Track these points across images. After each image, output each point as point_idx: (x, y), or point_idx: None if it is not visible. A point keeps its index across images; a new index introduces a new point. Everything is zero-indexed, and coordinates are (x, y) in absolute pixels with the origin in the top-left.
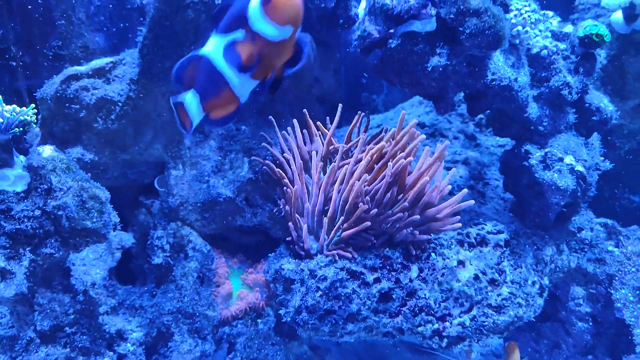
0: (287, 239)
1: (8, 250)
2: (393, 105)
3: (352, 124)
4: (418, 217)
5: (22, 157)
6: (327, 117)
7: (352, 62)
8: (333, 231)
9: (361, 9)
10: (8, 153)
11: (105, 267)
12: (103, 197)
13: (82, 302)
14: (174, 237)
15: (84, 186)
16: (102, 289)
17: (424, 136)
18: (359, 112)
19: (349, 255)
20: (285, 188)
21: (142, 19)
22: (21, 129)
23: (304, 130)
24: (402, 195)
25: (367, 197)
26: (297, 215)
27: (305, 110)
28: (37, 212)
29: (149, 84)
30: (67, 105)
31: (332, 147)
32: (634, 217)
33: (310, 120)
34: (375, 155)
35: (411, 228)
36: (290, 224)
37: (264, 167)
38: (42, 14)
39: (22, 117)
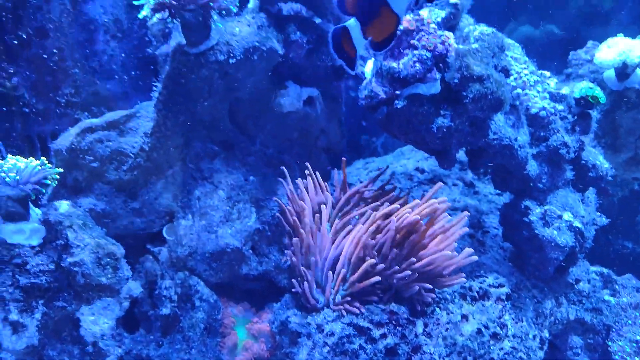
0: (293, 290)
1: (22, 303)
2: (392, 147)
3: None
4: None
5: (37, 210)
6: (334, 169)
7: (352, 106)
8: (338, 283)
9: (367, 70)
10: (24, 207)
11: (113, 317)
12: (118, 254)
13: (91, 354)
14: (181, 286)
15: (100, 243)
16: (111, 340)
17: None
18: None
19: (357, 310)
20: (293, 239)
21: (152, 67)
22: (43, 189)
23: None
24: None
25: (374, 251)
26: (303, 267)
27: (308, 163)
28: (52, 267)
29: (162, 137)
30: (81, 156)
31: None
32: (627, 262)
33: (316, 174)
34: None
35: (418, 286)
36: (297, 276)
37: (274, 217)
38: (56, 62)
39: (44, 177)
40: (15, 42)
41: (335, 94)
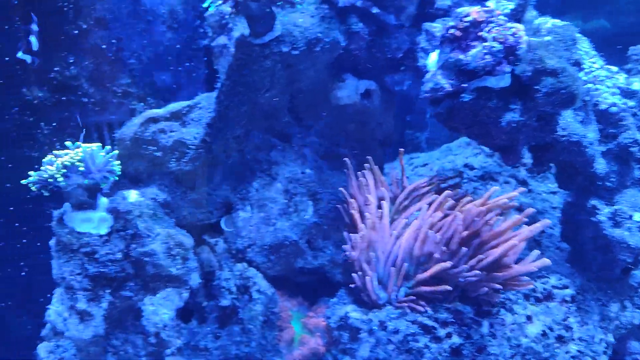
0: (352, 285)
1: (89, 292)
2: (436, 143)
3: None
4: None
5: (104, 199)
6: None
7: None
8: (400, 280)
9: (431, 62)
10: (93, 196)
11: (173, 308)
12: (188, 245)
13: (154, 345)
14: (240, 278)
15: (171, 233)
16: (172, 331)
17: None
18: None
19: (422, 309)
20: (353, 234)
21: (205, 58)
22: (110, 178)
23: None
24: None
25: (442, 247)
26: (364, 263)
27: (370, 157)
28: (119, 256)
29: (224, 127)
30: (144, 146)
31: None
32: None
33: (376, 167)
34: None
35: (487, 288)
36: (357, 271)
37: (331, 210)
38: (114, 52)
39: (111, 167)
40: (76, 32)
41: (390, 87)
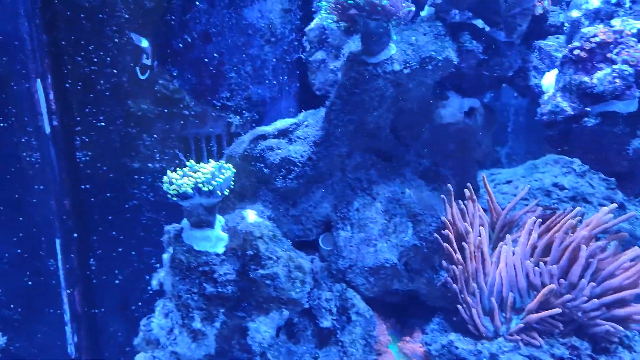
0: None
1: (204, 311)
2: (516, 158)
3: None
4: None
5: (220, 218)
6: None
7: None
8: (509, 311)
9: (547, 83)
10: (212, 215)
11: (273, 326)
12: (306, 268)
13: None
14: (339, 299)
15: (292, 256)
16: (277, 351)
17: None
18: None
19: (537, 342)
20: (453, 265)
21: (298, 72)
22: (227, 192)
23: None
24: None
25: (560, 280)
26: (468, 296)
27: (469, 185)
28: (236, 277)
29: (330, 146)
30: (252, 163)
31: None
32: None
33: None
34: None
35: (608, 326)
36: (460, 302)
37: (431, 233)
38: (215, 66)
39: (230, 183)
40: (181, 45)
41: (492, 104)
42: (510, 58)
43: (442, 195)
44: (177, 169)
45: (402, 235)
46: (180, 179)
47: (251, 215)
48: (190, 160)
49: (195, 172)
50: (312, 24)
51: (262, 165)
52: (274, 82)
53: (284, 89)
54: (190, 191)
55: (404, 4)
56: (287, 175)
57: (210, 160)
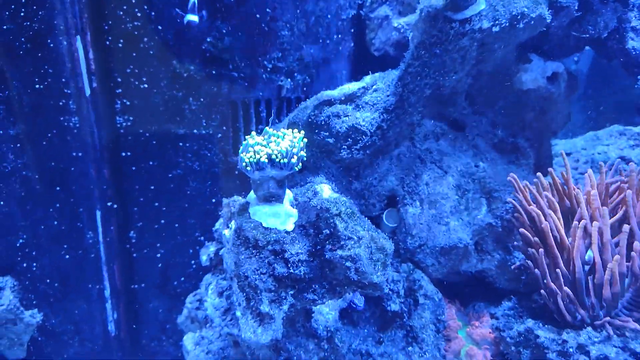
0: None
1: (273, 293)
2: (572, 129)
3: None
4: None
5: (288, 192)
6: None
7: None
8: (600, 301)
9: None
10: (282, 188)
11: (336, 308)
12: (389, 249)
13: (326, 350)
14: (406, 280)
15: (374, 236)
16: (344, 335)
17: None
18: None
19: (633, 325)
20: (533, 250)
21: (352, 30)
22: (300, 166)
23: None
24: None
25: None
26: (552, 282)
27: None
28: (307, 257)
29: (402, 113)
30: (316, 131)
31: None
32: None
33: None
34: None
35: None
36: (544, 288)
37: (507, 211)
38: (267, 23)
39: (302, 154)
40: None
41: (578, 71)
42: (605, 16)
43: (512, 175)
44: (251, 135)
45: (476, 212)
46: (255, 148)
47: (326, 190)
48: (266, 128)
49: (269, 142)
50: None
51: (326, 133)
52: (328, 41)
53: (338, 49)
54: (266, 161)
55: None
56: (354, 146)
57: (283, 129)
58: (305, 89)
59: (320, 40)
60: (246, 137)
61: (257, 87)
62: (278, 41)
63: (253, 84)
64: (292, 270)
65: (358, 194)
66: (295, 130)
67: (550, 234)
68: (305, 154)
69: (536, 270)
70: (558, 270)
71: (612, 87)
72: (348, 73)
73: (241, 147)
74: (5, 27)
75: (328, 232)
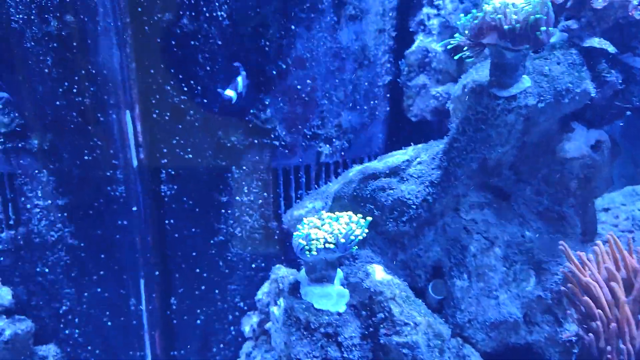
0: None
1: None
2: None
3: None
4: None
5: (339, 271)
6: None
7: None
8: None
9: None
10: (334, 269)
11: None
12: (446, 335)
13: None
14: (457, 356)
15: (430, 322)
16: None
17: None
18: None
19: None
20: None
21: (389, 95)
22: (355, 248)
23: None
24: None
25: None
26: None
27: (611, 233)
28: (361, 340)
29: (449, 187)
30: (362, 204)
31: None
32: None
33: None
34: None
35: None
36: None
37: (557, 283)
38: (308, 93)
39: (358, 235)
40: (274, 72)
41: (616, 136)
42: None
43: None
44: (308, 219)
45: (524, 284)
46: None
47: (378, 271)
48: (322, 212)
49: (322, 224)
50: (413, 47)
51: (372, 206)
52: (365, 107)
53: (375, 114)
54: (322, 247)
55: (550, 28)
56: (400, 218)
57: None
58: (343, 153)
59: (358, 107)
60: (302, 221)
61: (297, 153)
62: (317, 110)
63: (293, 151)
64: (345, 355)
65: (403, 264)
66: (353, 215)
67: (609, 307)
68: (366, 235)
69: (595, 344)
70: (623, 346)
71: None
72: (384, 136)
73: (297, 232)
74: (57, 102)
75: (382, 315)
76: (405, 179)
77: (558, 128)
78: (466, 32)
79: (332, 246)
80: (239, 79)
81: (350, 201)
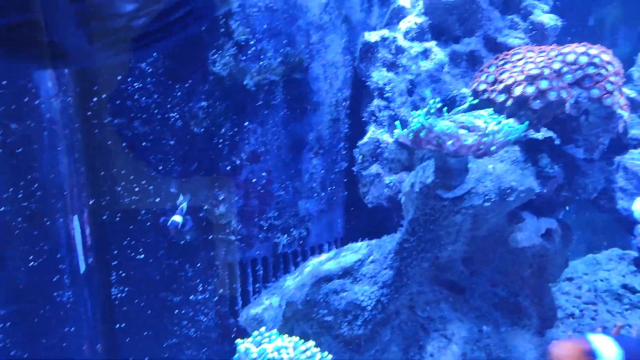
0: None
1: None
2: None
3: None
4: None
5: None
6: None
7: None
8: None
9: (637, 208)
10: None
11: None
12: None
13: None
14: None
15: None
16: None
17: None
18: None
19: None
20: None
21: (345, 180)
22: None
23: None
24: None
25: None
26: None
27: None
28: None
29: (402, 287)
30: (315, 309)
31: None
32: None
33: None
34: None
35: None
36: None
37: None
38: (263, 185)
39: None
40: (228, 168)
41: (566, 222)
42: (592, 178)
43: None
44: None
45: None
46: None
47: None
48: (280, 336)
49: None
50: (365, 138)
51: (325, 311)
52: (322, 194)
53: (333, 200)
54: None
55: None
56: (354, 322)
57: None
58: (301, 242)
59: (315, 194)
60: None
61: (253, 246)
62: (274, 201)
63: (250, 243)
64: None
65: None
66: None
67: None
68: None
69: None
70: None
71: None
72: (343, 222)
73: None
74: (2, 208)
75: None
76: (358, 279)
77: (507, 220)
78: (410, 136)
79: None
80: (181, 203)
81: (303, 305)
